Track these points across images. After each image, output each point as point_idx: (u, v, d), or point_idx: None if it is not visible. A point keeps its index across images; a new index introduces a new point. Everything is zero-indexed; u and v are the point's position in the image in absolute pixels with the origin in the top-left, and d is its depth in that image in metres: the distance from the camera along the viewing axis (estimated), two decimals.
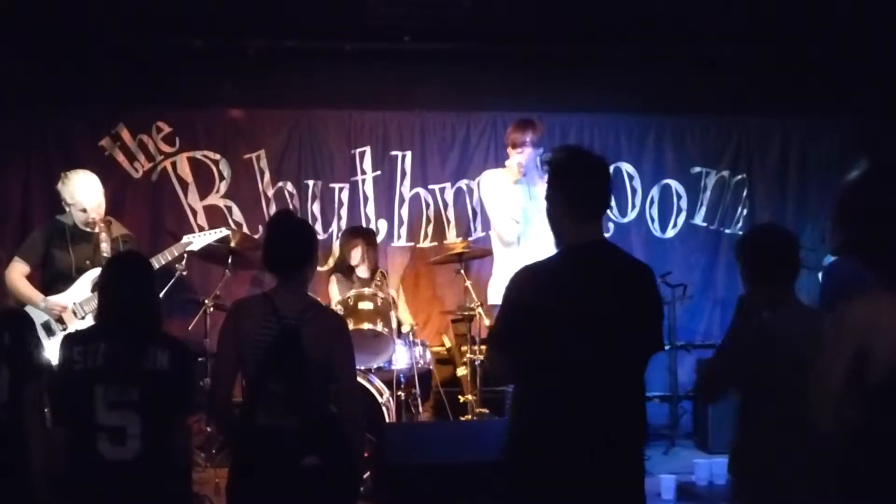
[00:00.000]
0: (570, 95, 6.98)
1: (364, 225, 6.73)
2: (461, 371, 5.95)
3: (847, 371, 2.40)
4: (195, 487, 4.61)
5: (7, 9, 5.73)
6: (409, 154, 6.99)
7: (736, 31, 6.54)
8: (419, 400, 5.75)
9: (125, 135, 6.68)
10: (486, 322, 5.44)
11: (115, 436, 3.10)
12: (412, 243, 6.99)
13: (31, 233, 5.57)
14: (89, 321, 5.07)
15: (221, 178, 6.80)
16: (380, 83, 6.88)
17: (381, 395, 5.36)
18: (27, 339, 3.23)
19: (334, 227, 6.88)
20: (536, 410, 2.77)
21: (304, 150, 6.89)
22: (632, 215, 7.17)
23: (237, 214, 6.79)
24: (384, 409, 5.29)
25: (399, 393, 5.62)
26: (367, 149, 6.94)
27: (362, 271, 6.11)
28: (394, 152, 6.98)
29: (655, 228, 7.21)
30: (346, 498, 3.31)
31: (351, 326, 4.79)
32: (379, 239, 6.67)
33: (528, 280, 2.82)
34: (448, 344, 6.59)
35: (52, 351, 4.95)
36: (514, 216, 5.34)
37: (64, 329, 5.09)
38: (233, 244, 5.84)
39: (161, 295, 4.76)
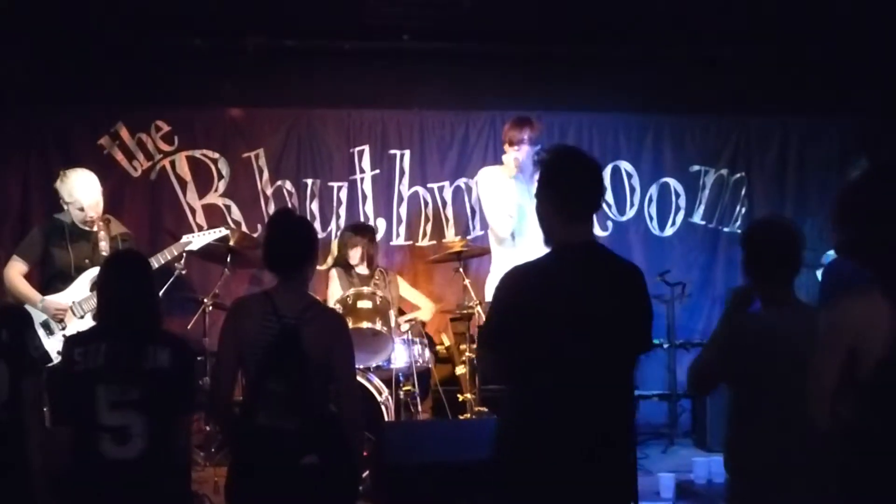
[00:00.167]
0: (570, 95, 6.98)
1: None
2: (460, 370, 5.95)
3: (841, 369, 2.41)
4: (194, 486, 4.61)
5: (7, 8, 5.73)
6: (407, 153, 6.99)
7: (735, 30, 6.55)
8: (418, 399, 5.75)
9: (124, 134, 6.68)
10: None
11: (118, 436, 3.09)
12: (411, 242, 7.00)
13: (30, 231, 5.56)
14: (88, 320, 5.07)
15: (220, 176, 6.80)
16: (379, 82, 6.88)
17: (380, 393, 5.36)
18: (26, 335, 3.23)
19: (333, 225, 6.88)
20: (525, 410, 2.77)
21: (302, 149, 6.89)
22: (630, 214, 7.17)
23: (236, 213, 6.79)
24: (383, 407, 5.29)
25: (402, 390, 5.62)
26: (366, 147, 6.94)
27: (362, 269, 6.14)
28: (392, 151, 6.98)
29: (654, 227, 7.22)
30: (345, 497, 3.31)
31: (350, 325, 4.78)
32: (378, 237, 6.67)
33: (517, 280, 2.83)
34: (447, 343, 6.60)
35: (51, 349, 4.99)
36: (509, 211, 5.33)
37: (63, 328, 5.08)
38: (232, 243, 5.84)
39: (160, 294, 4.77)
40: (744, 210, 7.27)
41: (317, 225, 6.76)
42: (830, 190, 6.63)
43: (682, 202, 7.24)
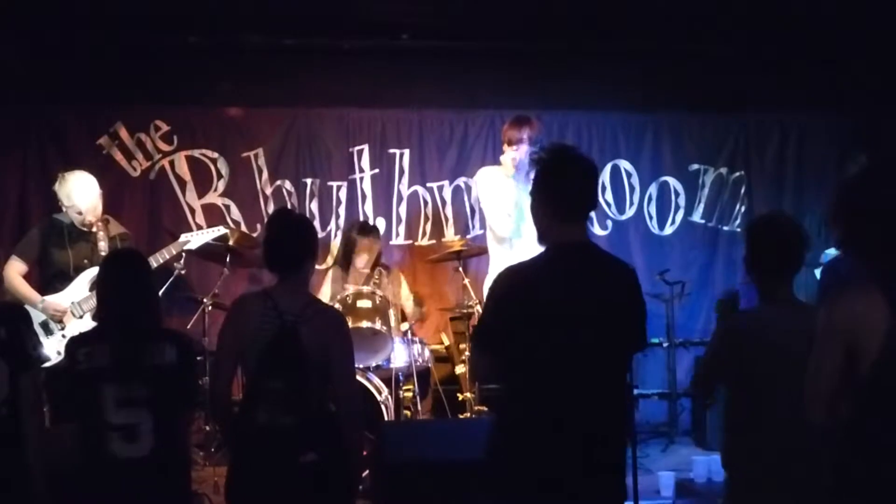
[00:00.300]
0: (569, 94, 6.97)
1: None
2: (460, 369, 5.95)
3: (838, 367, 2.40)
4: (194, 486, 4.60)
5: (5, 7, 5.73)
6: (407, 152, 6.99)
7: (735, 29, 6.54)
8: (418, 398, 5.75)
9: (123, 133, 6.67)
10: None
11: (127, 434, 3.10)
12: (410, 241, 6.99)
13: (28, 231, 5.56)
14: (87, 320, 5.07)
15: (219, 176, 6.79)
16: (378, 81, 6.87)
17: (380, 393, 5.36)
18: (24, 333, 3.22)
19: (332, 225, 6.88)
20: (519, 409, 2.77)
21: (302, 149, 6.89)
22: (630, 213, 7.17)
23: (235, 213, 6.78)
24: (383, 407, 5.29)
25: (404, 390, 5.62)
26: (366, 147, 6.94)
27: (363, 268, 6.11)
28: (392, 150, 6.98)
29: (653, 226, 7.22)
30: (344, 496, 3.30)
31: (349, 324, 4.78)
32: None
33: (511, 280, 2.83)
34: (446, 342, 6.60)
35: (50, 349, 4.99)
36: (508, 210, 5.33)
37: (62, 328, 5.08)
38: (231, 242, 5.84)
39: (160, 293, 4.76)
40: (743, 209, 7.28)
41: (316, 224, 6.75)
42: (829, 189, 6.62)
43: (682, 201, 7.24)
